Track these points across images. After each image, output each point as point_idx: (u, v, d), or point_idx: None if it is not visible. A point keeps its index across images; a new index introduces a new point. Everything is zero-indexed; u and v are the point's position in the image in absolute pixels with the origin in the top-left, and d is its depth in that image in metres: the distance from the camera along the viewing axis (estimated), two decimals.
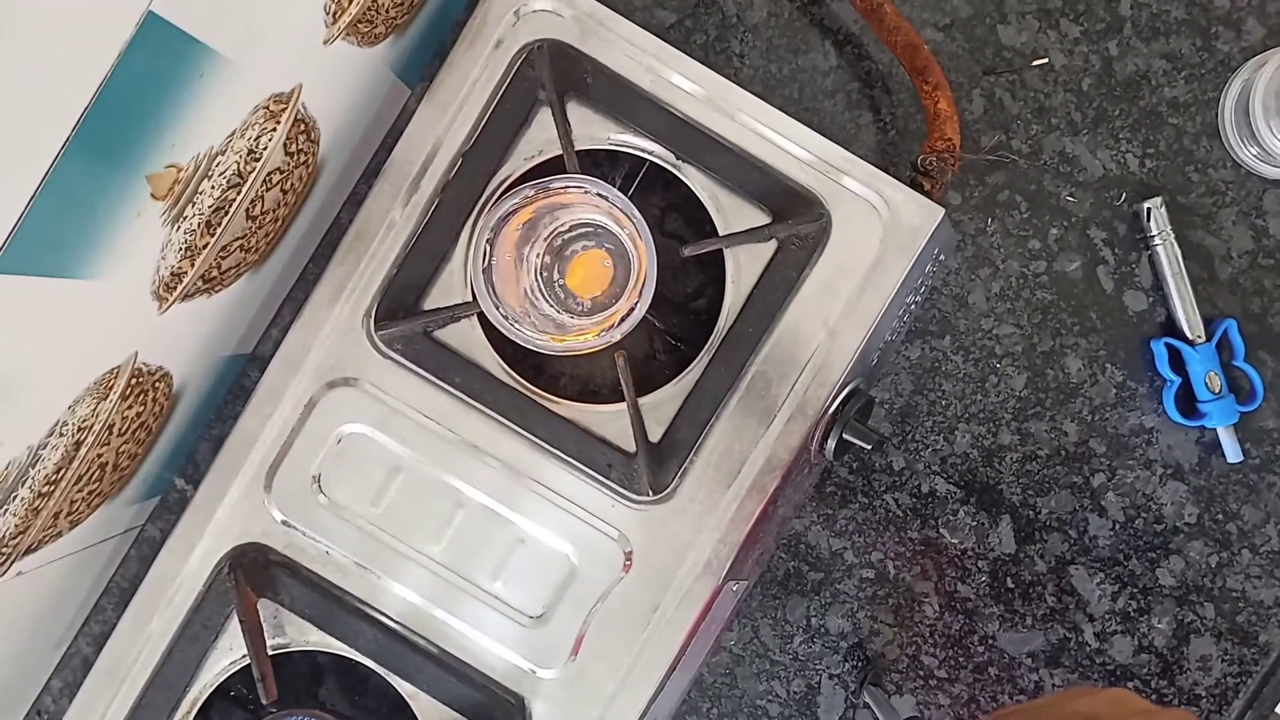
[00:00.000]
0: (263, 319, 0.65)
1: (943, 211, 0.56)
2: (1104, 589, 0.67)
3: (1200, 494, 0.66)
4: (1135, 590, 0.67)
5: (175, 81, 0.41)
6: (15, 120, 0.34)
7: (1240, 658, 0.67)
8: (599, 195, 0.46)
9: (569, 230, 0.54)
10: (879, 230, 0.56)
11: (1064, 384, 0.66)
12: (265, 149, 0.51)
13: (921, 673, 0.67)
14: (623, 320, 0.46)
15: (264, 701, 0.55)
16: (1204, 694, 0.67)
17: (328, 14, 0.50)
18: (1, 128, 0.34)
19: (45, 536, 0.54)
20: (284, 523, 0.57)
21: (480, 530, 0.57)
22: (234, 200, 0.51)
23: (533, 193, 0.46)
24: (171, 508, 0.67)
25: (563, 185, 0.46)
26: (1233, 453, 0.65)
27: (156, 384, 0.55)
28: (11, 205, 0.36)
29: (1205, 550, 0.67)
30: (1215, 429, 0.65)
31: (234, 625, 0.57)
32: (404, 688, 0.57)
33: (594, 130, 0.57)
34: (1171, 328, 0.66)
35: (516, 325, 0.47)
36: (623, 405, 0.56)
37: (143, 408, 0.55)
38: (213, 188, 0.48)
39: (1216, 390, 0.65)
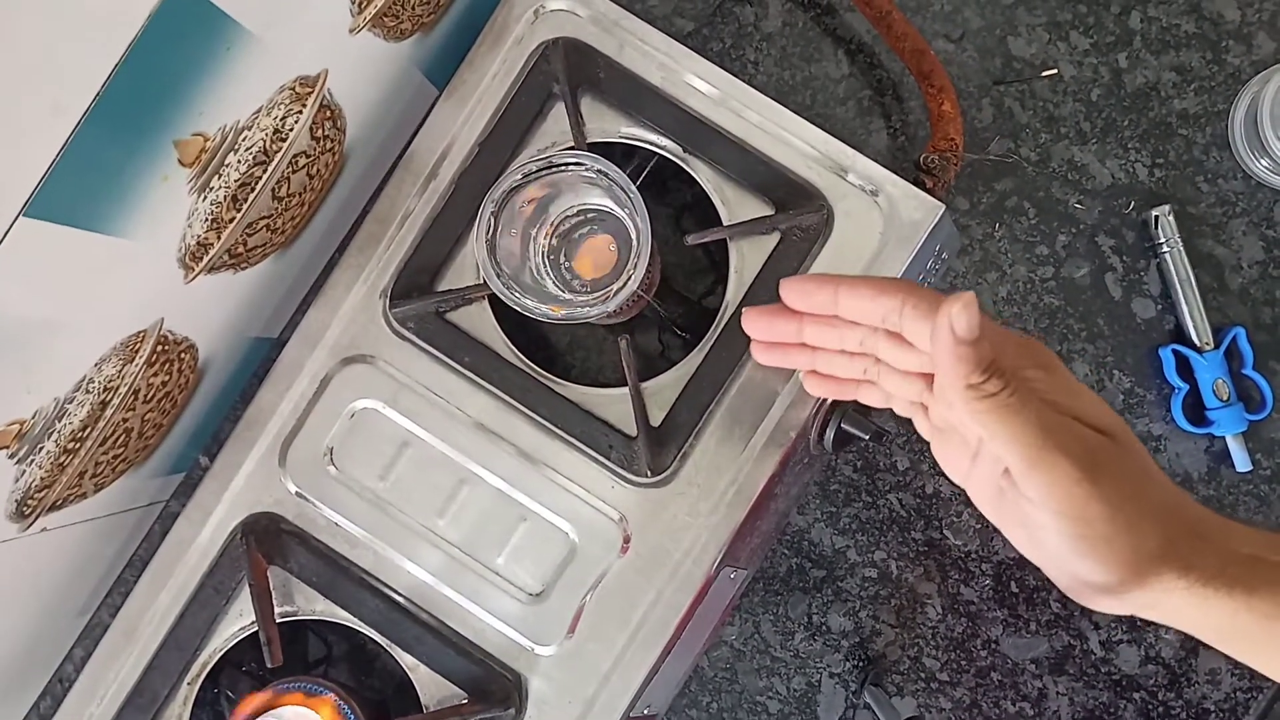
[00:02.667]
0: (289, 305, 0.67)
1: (943, 207, 0.57)
2: None
3: (1210, 504, 0.66)
4: None
5: (202, 50, 0.44)
6: (49, 72, 0.37)
7: (1250, 673, 0.66)
8: (598, 171, 0.48)
9: (576, 215, 0.56)
10: (879, 224, 0.57)
11: None
12: (291, 130, 0.54)
13: (923, 675, 0.67)
14: (618, 291, 0.48)
15: (269, 665, 0.57)
16: (1213, 708, 0.66)
17: (353, 3, 0.53)
18: (36, 78, 0.37)
19: (70, 495, 0.56)
20: (297, 494, 0.60)
21: (484, 507, 0.59)
22: (260, 178, 0.54)
23: (536, 168, 0.49)
24: (195, 486, 0.70)
25: (564, 161, 0.49)
26: (1242, 462, 0.65)
27: (182, 354, 0.58)
28: (43, 152, 0.39)
29: None
30: (1224, 438, 0.65)
31: (245, 593, 0.59)
32: (405, 659, 0.59)
33: (605, 124, 0.59)
34: (1180, 336, 0.66)
35: (517, 293, 0.49)
36: (626, 389, 0.58)
37: (168, 377, 0.58)
38: (239, 162, 0.51)
39: (1225, 398, 0.65)
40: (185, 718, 0.60)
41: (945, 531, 0.67)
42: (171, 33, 0.41)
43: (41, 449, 0.51)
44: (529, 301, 0.49)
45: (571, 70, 0.58)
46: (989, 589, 0.67)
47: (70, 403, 0.51)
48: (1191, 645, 0.66)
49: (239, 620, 0.60)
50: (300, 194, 0.59)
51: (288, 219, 0.60)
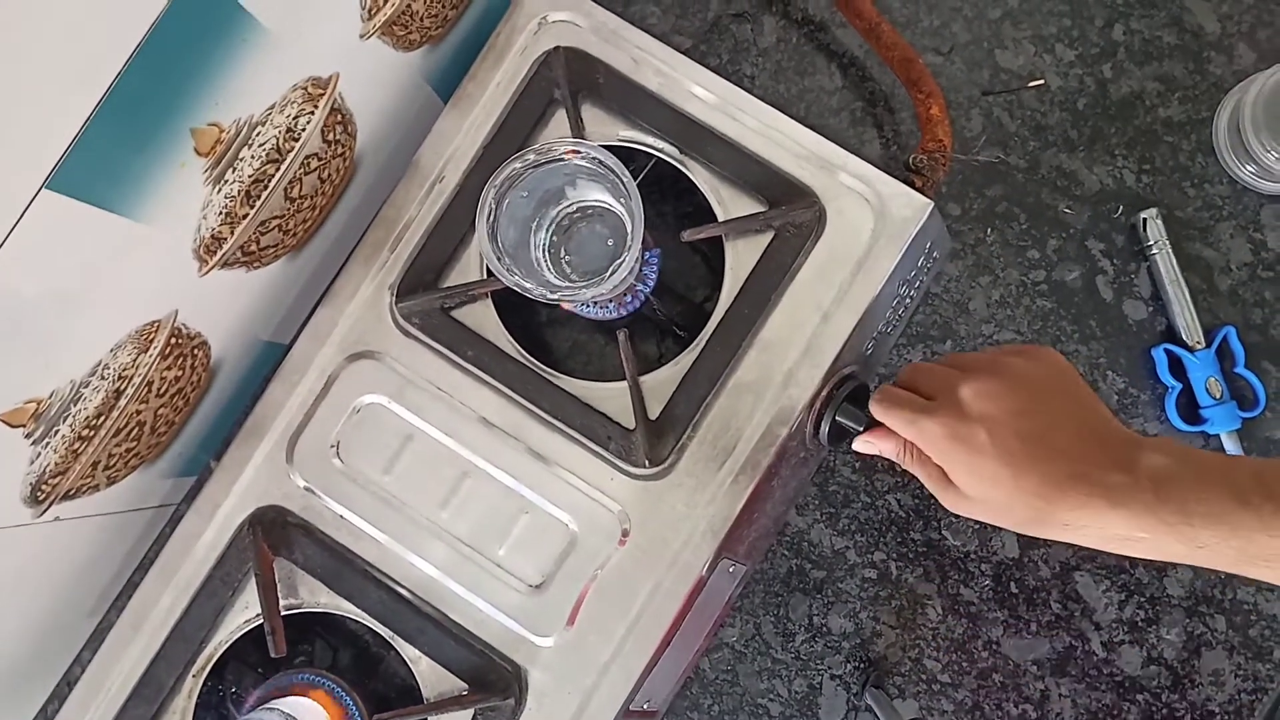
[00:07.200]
0: (300, 310, 0.69)
1: (931, 204, 0.59)
2: (1110, 597, 0.66)
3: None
4: (1143, 599, 0.66)
5: (218, 40, 0.46)
6: (74, 48, 0.40)
7: (1254, 673, 0.65)
8: (595, 159, 0.50)
9: (575, 211, 0.58)
10: (871, 221, 0.59)
11: None
12: (304, 130, 0.56)
13: (924, 677, 0.67)
14: (613, 273, 0.50)
15: (273, 654, 0.58)
16: (1217, 710, 0.65)
17: (364, 9, 0.55)
18: (63, 54, 0.39)
19: (84, 485, 0.58)
20: (304, 488, 0.61)
21: (486, 499, 0.60)
22: (273, 175, 0.56)
23: (534, 157, 0.51)
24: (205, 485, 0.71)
25: (562, 150, 0.51)
26: None
27: (195, 350, 0.60)
28: (66, 126, 0.41)
29: None
30: (1218, 435, 0.66)
31: (250, 585, 0.60)
32: (407, 651, 0.59)
33: (605, 129, 0.61)
34: (1172, 336, 0.67)
35: (517, 276, 0.50)
36: (624, 384, 0.59)
37: (181, 372, 0.60)
38: (252, 157, 0.54)
39: (1218, 396, 0.65)
40: (190, 711, 0.60)
41: (944, 532, 0.68)
42: (190, 19, 0.43)
43: (57, 432, 0.53)
44: (527, 284, 0.51)
45: (573, 76, 0.61)
46: (989, 589, 0.67)
47: (86, 387, 0.53)
48: (1194, 646, 0.66)
49: (244, 613, 0.61)
50: (312, 196, 0.62)
51: (299, 221, 0.62)
